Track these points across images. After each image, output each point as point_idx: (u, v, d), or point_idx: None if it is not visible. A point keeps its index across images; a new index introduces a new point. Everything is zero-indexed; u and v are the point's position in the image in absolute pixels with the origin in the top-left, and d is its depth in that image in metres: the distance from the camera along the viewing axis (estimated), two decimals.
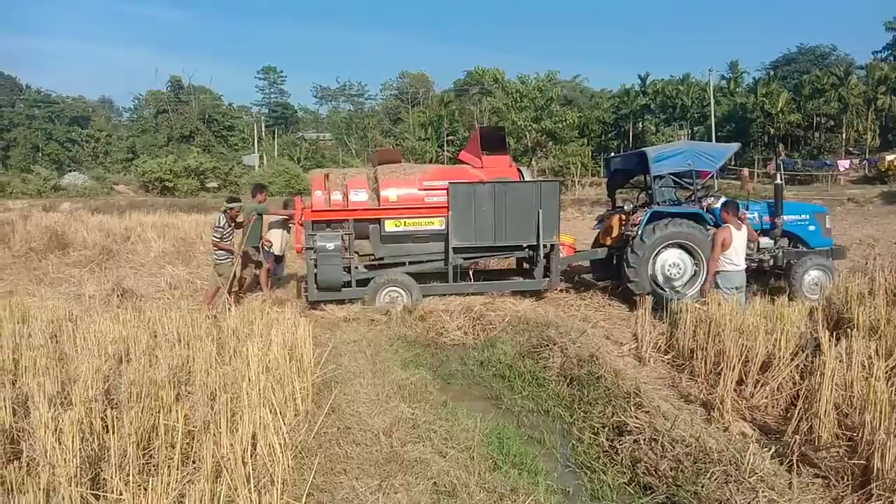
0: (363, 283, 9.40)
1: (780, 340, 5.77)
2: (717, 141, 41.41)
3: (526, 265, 10.44)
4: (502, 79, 45.82)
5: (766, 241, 9.87)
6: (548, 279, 9.81)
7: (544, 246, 9.58)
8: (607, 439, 5.07)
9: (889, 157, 36.70)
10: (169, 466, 3.84)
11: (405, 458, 4.33)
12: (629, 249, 9.47)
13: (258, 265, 10.37)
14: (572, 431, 5.42)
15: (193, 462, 4.13)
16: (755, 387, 5.61)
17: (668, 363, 6.94)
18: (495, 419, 5.69)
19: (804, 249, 10.11)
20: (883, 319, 6.51)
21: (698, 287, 8.96)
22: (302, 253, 9.64)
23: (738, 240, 7.63)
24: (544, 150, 45.39)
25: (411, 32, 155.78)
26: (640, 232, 9.41)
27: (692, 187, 10.04)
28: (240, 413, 4.36)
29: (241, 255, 9.99)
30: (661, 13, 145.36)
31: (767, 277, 10.22)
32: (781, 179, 11.31)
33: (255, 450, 4.15)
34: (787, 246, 10.14)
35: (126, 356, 6.08)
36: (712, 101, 43.24)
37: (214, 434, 4.11)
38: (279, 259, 11.23)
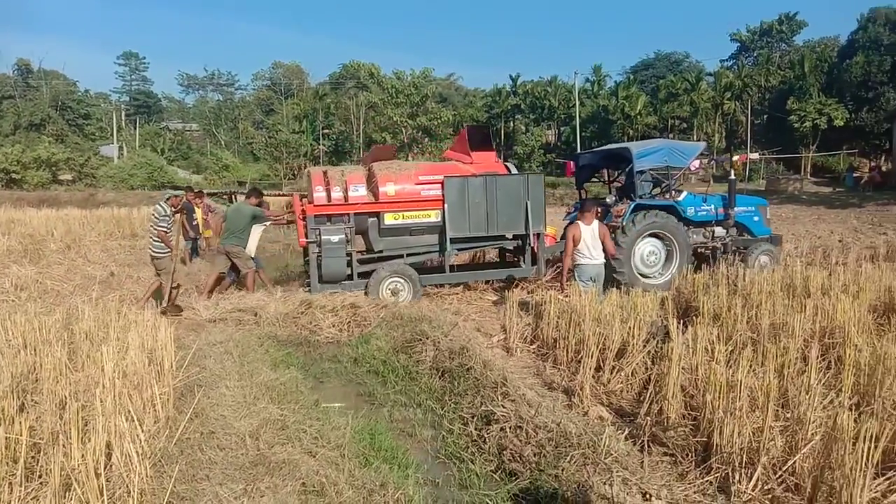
0: (364, 275, 9.66)
1: (633, 328, 6.16)
2: (581, 140, 43.53)
3: (510, 255, 11.03)
4: (378, 74, 45.73)
5: (720, 231, 11.08)
6: (535, 267, 10.28)
7: (533, 235, 10.10)
8: (476, 429, 5.20)
9: (735, 158, 40.07)
10: (10, 483, 3.56)
11: (273, 460, 4.24)
12: (614, 239, 9.95)
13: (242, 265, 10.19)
14: (443, 423, 5.52)
15: (40, 477, 3.84)
16: (612, 373, 5.96)
17: (533, 353, 7.24)
18: (368, 415, 5.70)
19: (749, 237, 11.41)
20: (724, 307, 7.13)
21: (669, 274, 10.10)
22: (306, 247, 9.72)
23: (587, 236, 8.13)
24: (420, 146, 45.80)
25: (284, 22, 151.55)
26: (624, 223, 10.13)
27: (667, 181, 11.07)
28: (93, 422, 4.11)
29: (222, 254, 10.03)
30: (531, 17, 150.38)
31: (717, 262, 11.04)
32: (734, 176, 12.45)
33: (109, 460, 3.92)
34: (735, 235, 11.27)
35: None
36: (577, 103, 45.33)
37: (64, 445, 3.85)
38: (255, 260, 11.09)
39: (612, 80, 60.18)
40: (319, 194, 9.57)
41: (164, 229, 9.26)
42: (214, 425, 4.81)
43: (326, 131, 55.06)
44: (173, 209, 9.56)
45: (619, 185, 11.94)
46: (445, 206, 9.72)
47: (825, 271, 8.76)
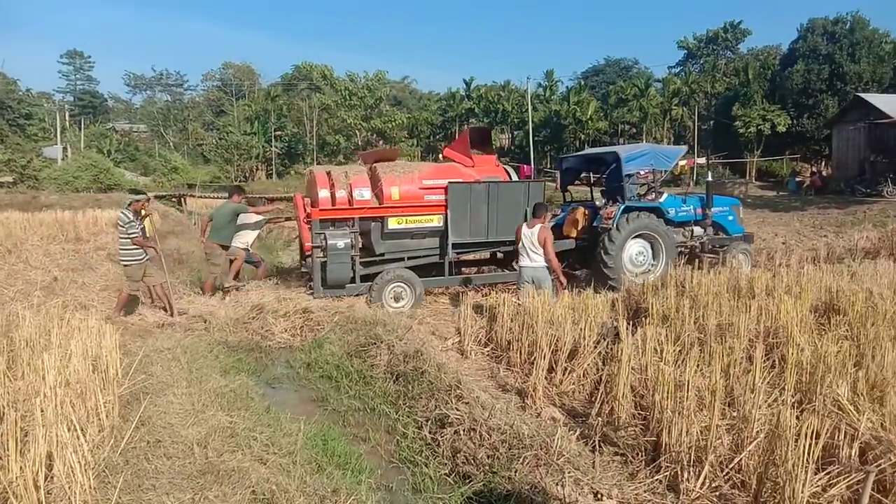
0: (366, 278, 9.67)
1: (584, 330, 6.23)
2: (534, 145, 44.02)
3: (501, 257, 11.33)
4: (331, 76, 45.34)
5: (698, 230, 11.63)
6: None
7: None
8: (430, 432, 5.20)
9: (682, 162, 40.93)
10: None
11: (222, 468, 4.15)
12: (606, 240, 10.42)
13: (231, 262, 10.33)
14: (397, 427, 5.51)
15: None
16: (564, 374, 6.01)
17: (487, 355, 7.26)
18: (321, 421, 5.64)
19: (724, 236, 11.98)
20: (672, 308, 7.28)
21: (659, 271, 10.49)
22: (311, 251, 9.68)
23: (525, 238, 8.22)
24: (375, 148, 45.61)
25: (235, 22, 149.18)
26: (615, 225, 10.40)
27: (651, 184, 11.52)
28: (33, 433, 3.95)
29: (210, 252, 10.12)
30: (484, 21, 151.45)
31: (696, 259, 11.51)
32: (711, 178, 13.02)
33: (51, 472, 3.78)
34: (712, 234, 11.82)
35: None
36: (530, 108, 45.72)
37: (1, 458, 3.70)
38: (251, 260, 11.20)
39: (564, 85, 60.99)
40: (324, 196, 9.50)
41: (137, 234, 8.92)
42: (161, 434, 4.70)
43: (279, 133, 54.31)
44: (137, 214, 9.27)
45: (602, 187, 12.34)
46: (448, 211, 9.77)
47: (769, 273, 9.02)
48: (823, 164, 36.23)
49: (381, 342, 7.31)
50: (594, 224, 11.04)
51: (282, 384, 6.87)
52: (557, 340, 6.20)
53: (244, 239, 10.78)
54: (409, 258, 9.98)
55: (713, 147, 45.64)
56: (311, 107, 51.38)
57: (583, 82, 62.24)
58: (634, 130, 51.37)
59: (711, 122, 48.96)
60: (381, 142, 45.05)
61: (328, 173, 9.83)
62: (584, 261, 11.47)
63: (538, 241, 8.17)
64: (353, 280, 9.62)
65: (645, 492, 4.05)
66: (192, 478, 4.07)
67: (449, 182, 9.82)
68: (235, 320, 8.67)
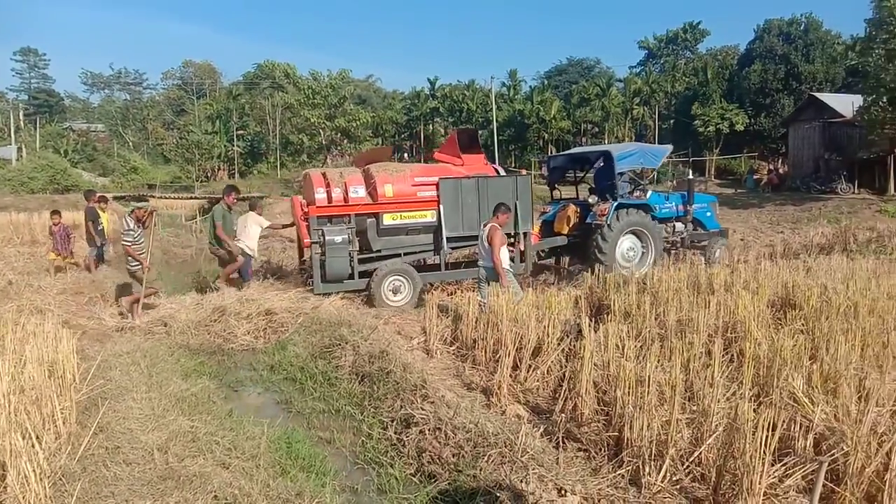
0: (364, 274, 9.85)
1: (548, 327, 6.28)
2: (499, 144, 44.22)
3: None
4: (294, 74, 44.82)
5: (679, 226, 12.19)
6: (524, 264, 10.66)
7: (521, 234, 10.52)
8: (395, 433, 5.19)
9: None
10: None
11: (183, 473, 4.08)
12: (600, 236, 10.91)
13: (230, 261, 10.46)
14: (362, 428, 5.49)
15: None
16: (528, 371, 6.05)
17: (453, 354, 7.26)
18: (285, 424, 5.59)
19: (703, 232, 12.60)
20: (634, 305, 7.37)
21: (650, 261, 11.06)
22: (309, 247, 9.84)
23: (480, 236, 8.30)
24: (339, 147, 45.31)
25: (196, 19, 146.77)
26: (609, 221, 10.83)
27: (639, 181, 12.01)
28: None
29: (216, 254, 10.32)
30: (448, 20, 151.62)
31: (678, 253, 12.20)
32: (692, 176, 13.76)
33: (3, 482, 3.68)
34: (692, 230, 12.41)
35: None
36: (494, 107, 45.88)
37: None
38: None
39: (528, 85, 61.44)
40: (320, 196, 9.67)
41: (128, 244, 8.84)
42: (120, 439, 4.61)
43: (241, 132, 53.58)
44: (139, 221, 9.13)
45: (589, 185, 12.96)
46: (441, 206, 10.01)
47: (728, 269, 9.21)
48: (780, 161, 37.01)
49: (346, 343, 7.28)
50: (587, 221, 11.41)
51: (245, 387, 6.78)
52: (522, 338, 6.24)
53: (251, 243, 10.77)
54: (404, 253, 10.20)
55: (673, 145, 46.30)
56: (273, 106, 50.72)
57: (546, 82, 62.75)
58: (597, 130, 51.94)
59: (672, 122, 49.81)
60: (345, 140, 44.69)
61: (323, 174, 10.09)
62: (577, 256, 11.86)
63: (486, 240, 8.17)
64: (351, 276, 9.80)
65: (608, 486, 4.10)
66: (152, 484, 4.00)
67: (440, 178, 10.10)
68: (197, 323, 8.54)
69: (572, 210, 11.80)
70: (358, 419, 5.70)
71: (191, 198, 38.25)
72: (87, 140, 59.90)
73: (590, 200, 11.86)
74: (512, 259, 10.39)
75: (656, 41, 60.18)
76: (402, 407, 5.49)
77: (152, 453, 4.36)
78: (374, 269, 9.82)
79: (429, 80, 58.05)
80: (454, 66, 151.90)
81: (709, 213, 12.99)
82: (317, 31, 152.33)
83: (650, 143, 45.58)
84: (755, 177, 34.33)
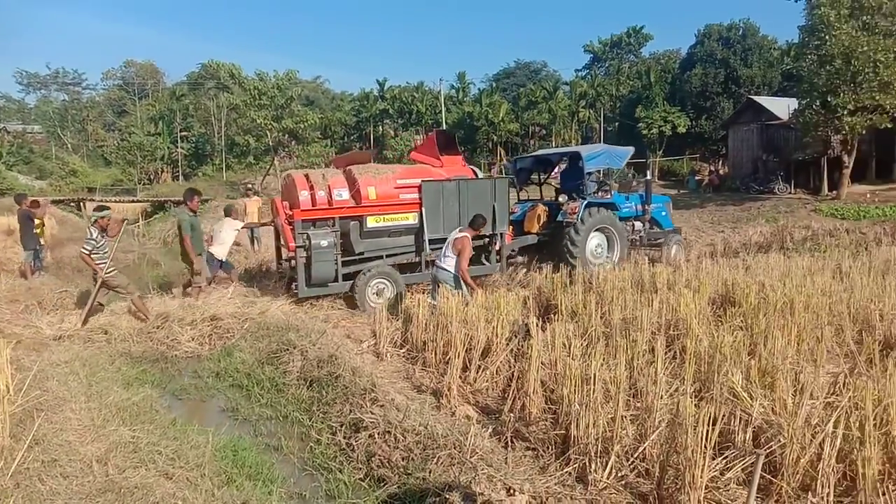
0: (348, 276, 9.76)
1: (497, 328, 6.33)
2: None
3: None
4: (239, 74, 43.89)
5: (638, 225, 12.84)
6: (500, 264, 10.90)
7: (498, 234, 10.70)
8: (345, 437, 5.15)
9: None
10: None
11: (124, 485, 3.96)
12: (572, 233, 11.31)
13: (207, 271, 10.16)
14: (311, 434, 5.43)
15: None
16: (478, 372, 6.09)
17: (403, 356, 7.25)
18: (231, 431, 5.48)
19: (659, 230, 13.29)
20: (580, 304, 7.50)
21: (616, 257, 11.63)
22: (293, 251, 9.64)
23: (448, 239, 8.30)
24: (287, 149, 44.68)
25: (137, 18, 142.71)
26: (579, 219, 11.24)
27: (606, 181, 12.72)
28: None
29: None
30: (396, 21, 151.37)
31: (638, 250, 13.04)
32: (651, 177, 14.23)
33: None
34: (649, 228, 13.08)
35: None
36: (443, 109, 46.05)
37: None
38: (225, 264, 10.95)
39: (476, 87, 61.74)
40: (304, 198, 9.56)
41: (86, 252, 8.51)
42: (57, 452, 4.44)
43: (185, 134, 52.37)
44: (102, 231, 8.79)
45: (554, 186, 13.63)
46: (423, 208, 10.04)
47: (671, 268, 9.44)
48: (721, 163, 38.16)
49: (294, 348, 7.19)
50: (558, 219, 11.75)
51: (189, 395, 6.63)
52: (471, 339, 6.27)
53: (222, 250, 10.70)
54: (387, 255, 10.18)
55: None
56: (218, 106, 49.66)
57: (494, 84, 63.24)
58: (544, 132, 52.62)
59: (616, 124, 50.78)
60: (293, 142, 44.06)
61: (306, 176, 9.97)
62: (547, 254, 12.08)
63: (453, 247, 8.25)
64: (335, 279, 9.71)
65: (555, 484, 4.14)
66: (91, 497, 3.87)
67: (422, 181, 10.11)
68: (139, 330, 8.31)
69: (542, 209, 12.16)
70: (306, 425, 5.63)
71: (133, 201, 37.22)
72: (23, 142, 57.53)
73: (560, 200, 12.21)
74: (488, 259, 10.81)
75: (601, 45, 61.17)
76: (351, 411, 5.45)
77: (91, 465, 4.22)
78: (357, 272, 9.78)
79: (378, 81, 57.89)
80: (403, 67, 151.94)
81: (664, 213, 13.66)
82: (263, 32, 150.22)
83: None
84: (697, 178, 35.22)
